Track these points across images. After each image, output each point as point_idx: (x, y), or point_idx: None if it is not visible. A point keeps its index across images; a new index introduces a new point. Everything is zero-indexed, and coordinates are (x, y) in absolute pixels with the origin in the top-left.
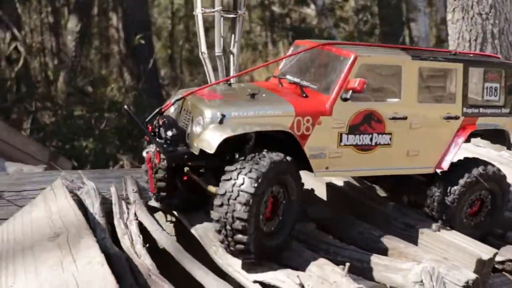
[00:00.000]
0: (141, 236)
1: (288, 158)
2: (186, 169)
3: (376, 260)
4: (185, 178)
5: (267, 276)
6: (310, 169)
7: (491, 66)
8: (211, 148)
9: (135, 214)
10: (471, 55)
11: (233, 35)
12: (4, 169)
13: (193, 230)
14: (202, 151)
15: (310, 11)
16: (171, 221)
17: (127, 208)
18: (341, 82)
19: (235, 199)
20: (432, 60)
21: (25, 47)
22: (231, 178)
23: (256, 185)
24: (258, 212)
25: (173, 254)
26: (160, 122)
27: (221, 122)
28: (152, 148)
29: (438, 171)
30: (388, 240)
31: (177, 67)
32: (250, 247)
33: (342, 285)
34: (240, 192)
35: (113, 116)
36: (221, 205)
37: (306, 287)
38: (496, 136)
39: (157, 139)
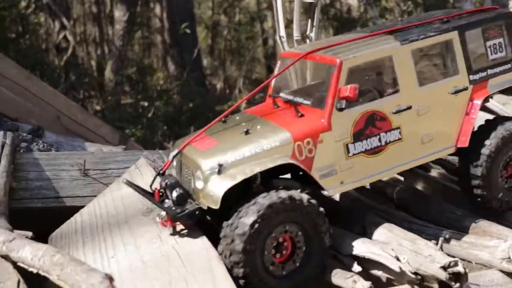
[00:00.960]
0: None
1: (305, 197)
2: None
3: (461, 237)
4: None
5: (361, 250)
6: (323, 190)
7: (488, 22)
8: (215, 204)
9: None
10: (465, 15)
11: (309, 20)
12: (85, 149)
13: None
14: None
15: (353, 1)
16: None
17: None
18: (332, 92)
19: (235, 230)
20: (423, 38)
21: (73, 36)
22: (236, 211)
23: (256, 217)
24: (261, 253)
25: None
26: (163, 184)
27: (219, 172)
28: (163, 216)
29: (460, 145)
30: (471, 219)
31: (220, 56)
32: (249, 281)
33: (437, 257)
34: (240, 223)
35: (161, 104)
36: (224, 236)
37: (402, 259)
38: None
39: (165, 203)
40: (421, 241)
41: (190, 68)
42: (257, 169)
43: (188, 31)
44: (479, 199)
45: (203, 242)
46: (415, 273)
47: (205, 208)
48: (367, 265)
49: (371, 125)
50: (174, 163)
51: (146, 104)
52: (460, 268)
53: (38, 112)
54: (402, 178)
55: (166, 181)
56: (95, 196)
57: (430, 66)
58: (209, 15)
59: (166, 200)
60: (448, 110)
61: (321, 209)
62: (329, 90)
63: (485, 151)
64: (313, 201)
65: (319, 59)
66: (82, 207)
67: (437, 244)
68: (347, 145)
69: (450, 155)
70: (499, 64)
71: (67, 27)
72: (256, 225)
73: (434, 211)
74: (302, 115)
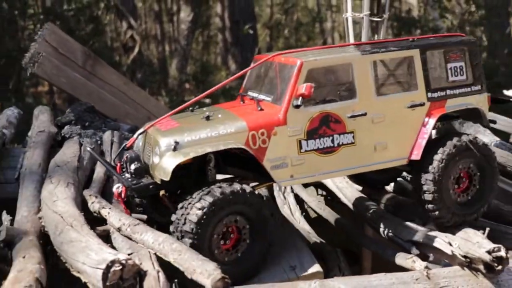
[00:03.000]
0: (298, 205)
1: (247, 189)
2: (161, 193)
3: (505, 230)
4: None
5: (420, 236)
6: (274, 181)
7: (450, 45)
8: (166, 176)
9: (291, 188)
10: (432, 38)
11: (376, 36)
12: None
13: (346, 201)
14: (163, 182)
15: (413, 0)
16: (321, 195)
17: None
18: (290, 90)
19: (182, 227)
20: (384, 51)
21: (140, 36)
22: (182, 207)
23: (200, 215)
24: (209, 241)
25: (330, 220)
26: (125, 158)
27: (174, 149)
28: (119, 187)
29: (413, 158)
30: None
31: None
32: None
33: (483, 244)
34: (187, 221)
35: (224, 101)
36: (173, 232)
37: (453, 245)
38: (473, 116)
39: (123, 174)
40: (470, 229)
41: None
42: (209, 149)
43: (251, 31)
44: (431, 213)
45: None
46: (465, 256)
47: (159, 182)
48: (424, 249)
49: (325, 125)
50: (140, 143)
51: (209, 101)
52: (502, 253)
53: (133, 113)
54: None
55: (127, 154)
56: None
57: (390, 79)
58: (267, 13)
59: (126, 174)
60: (403, 123)
61: (264, 198)
62: (288, 87)
63: (434, 165)
64: (256, 192)
65: (284, 61)
66: None
67: (483, 233)
68: (300, 141)
69: (402, 168)
70: (458, 87)
71: (134, 26)
72: (202, 221)
73: None
74: (261, 109)
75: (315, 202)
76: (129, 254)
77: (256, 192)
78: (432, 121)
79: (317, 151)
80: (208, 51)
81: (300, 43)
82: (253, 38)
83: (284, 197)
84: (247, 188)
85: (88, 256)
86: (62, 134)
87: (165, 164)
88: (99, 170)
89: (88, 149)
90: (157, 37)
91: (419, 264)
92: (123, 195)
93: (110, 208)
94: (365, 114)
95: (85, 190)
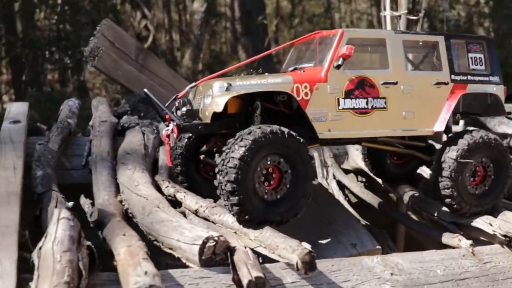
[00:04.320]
0: (340, 191)
1: (285, 131)
2: (202, 156)
3: None
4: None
5: (461, 218)
6: (314, 134)
7: (471, 38)
8: (218, 108)
9: (334, 175)
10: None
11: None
12: None
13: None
14: (214, 121)
15: None
16: (361, 181)
17: (326, 170)
18: (332, 52)
19: (227, 164)
20: (413, 34)
21: (154, 25)
22: (227, 148)
23: (243, 151)
24: (252, 177)
25: (374, 204)
26: (177, 104)
27: (227, 89)
28: (169, 126)
29: (436, 130)
30: None
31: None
32: (243, 208)
33: None
34: (231, 158)
35: None
36: (218, 171)
37: (494, 225)
38: (492, 109)
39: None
40: (509, 213)
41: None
42: (259, 89)
43: (265, 21)
44: (448, 201)
45: (343, 209)
46: (505, 236)
47: (208, 120)
48: (466, 230)
49: (361, 88)
50: (190, 95)
51: None
52: None
53: None
54: None
55: (180, 100)
56: None
57: (419, 58)
58: (276, 4)
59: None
60: (429, 97)
61: (302, 140)
62: (330, 51)
63: (450, 163)
64: (293, 133)
65: (325, 33)
66: None
67: None
68: (338, 99)
69: (423, 159)
70: (478, 75)
71: (148, 16)
72: (245, 157)
73: None
74: (304, 71)
75: (357, 187)
76: None
77: (295, 135)
78: (455, 99)
79: (353, 110)
80: (215, 41)
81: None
82: (263, 28)
83: (327, 183)
84: (286, 130)
85: (182, 234)
86: (122, 124)
87: (218, 99)
88: (163, 158)
89: (145, 90)
90: (170, 27)
91: (465, 242)
92: (174, 135)
93: (185, 192)
94: (396, 83)
95: (156, 175)
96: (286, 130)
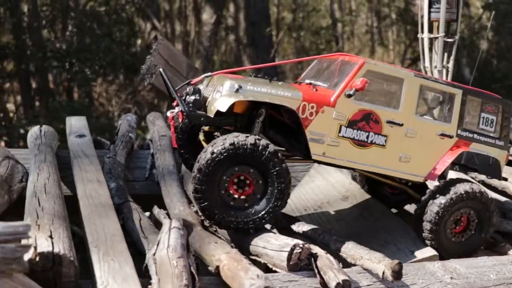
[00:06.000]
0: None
1: (260, 144)
2: (201, 137)
3: None
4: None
5: (504, 227)
6: (307, 154)
7: (489, 99)
8: (222, 107)
9: None
10: (479, 91)
11: (445, 54)
12: None
13: None
14: (216, 117)
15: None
16: None
17: None
18: (347, 80)
19: (194, 171)
20: (433, 81)
21: (164, 37)
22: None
23: (211, 157)
24: (217, 183)
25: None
26: (187, 90)
27: (237, 91)
28: (175, 109)
29: (428, 179)
30: None
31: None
32: (209, 212)
33: None
34: (196, 169)
35: None
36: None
37: None
38: (490, 170)
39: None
40: None
41: (266, 68)
42: (266, 99)
43: (273, 33)
44: (428, 242)
45: (398, 221)
46: None
47: (212, 115)
48: (509, 238)
49: (365, 121)
50: (203, 86)
51: None
52: None
53: None
54: None
55: (190, 87)
56: None
57: (431, 106)
58: (283, 16)
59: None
60: (430, 146)
61: (263, 142)
62: (345, 78)
63: (437, 203)
64: (266, 146)
65: (348, 59)
66: None
67: None
68: (340, 125)
69: (413, 197)
70: (485, 136)
71: (158, 27)
72: (208, 168)
73: None
74: (316, 90)
75: None
76: None
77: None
78: (455, 154)
79: (352, 140)
80: (218, 51)
81: (315, 46)
82: (269, 40)
83: None
84: (262, 143)
85: (268, 242)
86: None
87: (225, 98)
88: None
89: (161, 69)
90: (180, 38)
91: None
92: (180, 120)
93: None
94: (401, 125)
95: None
96: (263, 143)
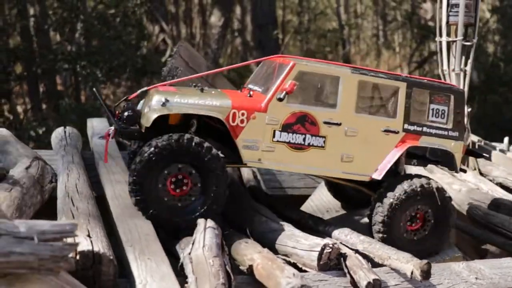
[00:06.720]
0: None
1: (205, 144)
2: None
3: None
4: None
5: None
6: (240, 160)
7: (438, 89)
8: (147, 123)
9: None
10: (426, 80)
11: (463, 57)
12: None
13: None
14: (149, 130)
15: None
16: None
17: None
18: (278, 84)
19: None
20: (373, 76)
21: (171, 39)
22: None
23: (154, 151)
24: (155, 183)
25: None
26: (122, 106)
27: (163, 105)
28: (111, 127)
29: (374, 177)
30: None
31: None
32: (144, 208)
33: None
34: (142, 153)
35: None
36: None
37: None
38: (446, 161)
39: (116, 119)
40: None
41: None
42: (191, 111)
43: (280, 36)
44: (379, 235)
45: None
46: None
47: (143, 130)
48: None
49: (300, 123)
50: (142, 101)
51: None
52: None
53: None
54: None
55: (126, 104)
56: (306, 188)
57: (372, 102)
58: (289, 19)
59: (116, 119)
60: (374, 143)
61: (207, 144)
62: (277, 81)
63: (387, 201)
64: (205, 144)
65: (283, 61)
66: (299, 196)
67: None
68: (274, 130)
69: (367, 194)
70: (436, 128)
71: (166, 30)
72: (141, 170)
73: None
74: (250, 96)
75: None
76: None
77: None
78: (401, 150)
79: (288, 144)
80: (226, 54)
81: (322, 49)
82: (275, 43)
83: None
84: (194, 141)
85: (298, 241)
86: None
87: (150, 114)
88: (248, 171)
89: (94, 89)
90: (186, 41)
91: None
92: (111, 136)
93: (286, 205)
94: (339, 124)
95: None
96: (206, 145)
